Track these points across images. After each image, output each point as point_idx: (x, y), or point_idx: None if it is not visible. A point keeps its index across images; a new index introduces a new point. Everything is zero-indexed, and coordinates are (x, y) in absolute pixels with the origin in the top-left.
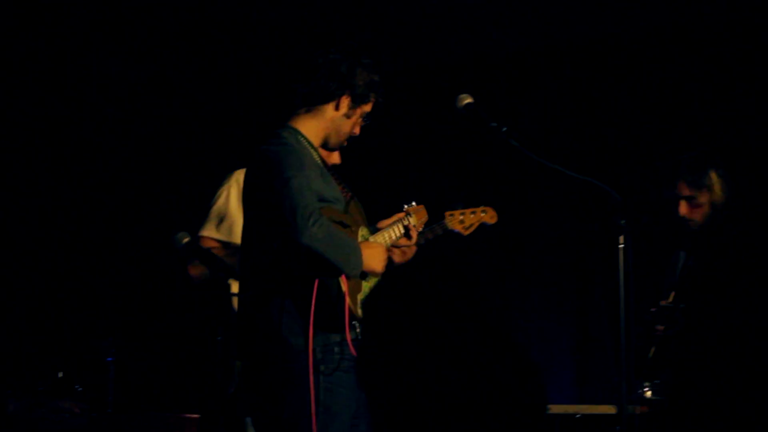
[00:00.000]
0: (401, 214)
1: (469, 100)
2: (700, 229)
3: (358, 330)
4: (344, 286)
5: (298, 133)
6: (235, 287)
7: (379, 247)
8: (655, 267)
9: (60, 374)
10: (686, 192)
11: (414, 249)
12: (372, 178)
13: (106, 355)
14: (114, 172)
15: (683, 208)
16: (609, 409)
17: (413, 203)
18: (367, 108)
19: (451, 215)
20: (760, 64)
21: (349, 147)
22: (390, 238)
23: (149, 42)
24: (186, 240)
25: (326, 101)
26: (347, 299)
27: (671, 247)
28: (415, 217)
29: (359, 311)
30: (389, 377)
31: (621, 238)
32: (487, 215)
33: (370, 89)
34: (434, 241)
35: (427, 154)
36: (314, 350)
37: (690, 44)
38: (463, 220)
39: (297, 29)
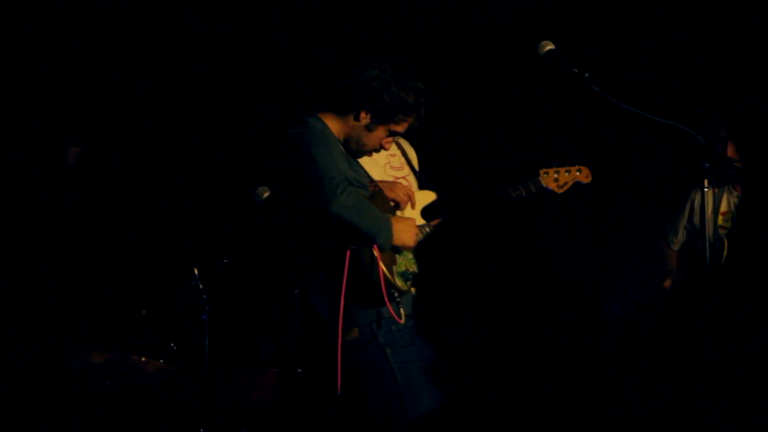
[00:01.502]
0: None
1: (551, 46)
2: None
3: (398, 301)
4: (377, 255)
5: (324, 123)
6: None
7: (409, 220)
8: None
9: (143, 312)
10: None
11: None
12: (467, 137)
13: (201, 313)
14: (202, 128)
15: (731, 150)
16: None
17: None
18: (398, 128)
19: (546, 173)
20: None
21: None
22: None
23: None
24: (266, 194)
25: (348, 109)
26: (382, 268)
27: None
28: None
29: (398, 282)
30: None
31: (705, 182)
32: (582, 174)
33: (398, 109)
34: (528, 198)
35: (521, 111)
36: (374, 332)
37: None
38: (557, 179)
39: None
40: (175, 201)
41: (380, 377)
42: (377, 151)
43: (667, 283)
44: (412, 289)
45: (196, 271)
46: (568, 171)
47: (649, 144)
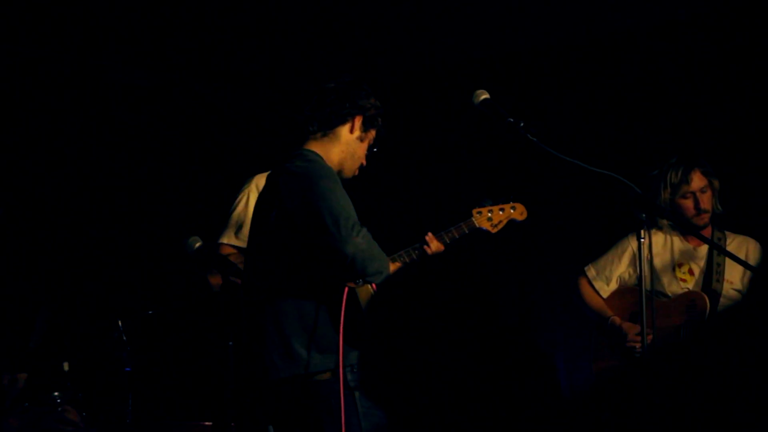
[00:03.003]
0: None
1: (485, 96)
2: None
3: None
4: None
5: (319, 155)
6: None
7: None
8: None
9: (66, 366)
10: (703, 183)
11: (441, 246)
12: (397, 180)
13: (124, 366)
14: (128, 178)
15: (705, 201)
16: None
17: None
18: (373, 134)
19: (479, 212)
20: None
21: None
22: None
23: (157, 47)
24: (198, 245)
25: (341, 123)
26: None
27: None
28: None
29: None
30: (406, 375)
31: (642, 232)
32: (517, 212)
33: (378, 114)
34: (461, 239)
35: (451, 153)
36: (346, 375)
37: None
38: (491, 218)
39: (303, 31)
40: (98, 251)
41: (347, 419)
42: (362, 168)
43: (630, 327)
44: None
45: (120, 323)
46: (502, 209)
47: (587, 193)
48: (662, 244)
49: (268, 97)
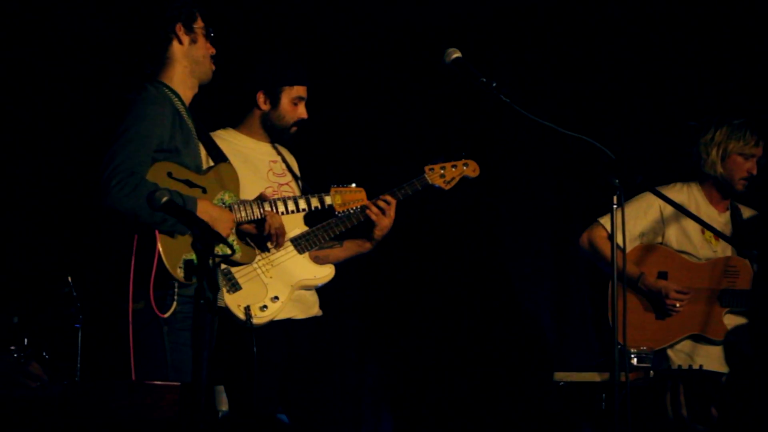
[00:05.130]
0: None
1: (457, 54)
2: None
3: (176, 290)
4: (158, 240)
5: (162, 84)
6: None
7: (224, 212)
8: None
9: (15, 319)
10: (762, 154)
11: (392, 216)
12: (355, 133)
13: (74, 322)
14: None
15: (755, 171)
16: (594, 377)
17: (352, 184)
18: (201, 23)
19: (431, 169)
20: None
21: (332, 103)
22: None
23: None
24: (165, 199)
25: (168, 44)
26: (158, 251)
27: None
28: (339, 197)
29: (178, 272)
30: (390, 348)
31: (615, 198)
32: (469, 168)
33: (189, 5)
34: (413, 196)
35: (412, 110)
36: (151, 311)
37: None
38: (443, 174)
39: None
40: (49, 205)
41: (152, 352)
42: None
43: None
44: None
45: (69, 279)
46: (455, 166)
47: (559, 157)
48: (686, 204)
49: None
